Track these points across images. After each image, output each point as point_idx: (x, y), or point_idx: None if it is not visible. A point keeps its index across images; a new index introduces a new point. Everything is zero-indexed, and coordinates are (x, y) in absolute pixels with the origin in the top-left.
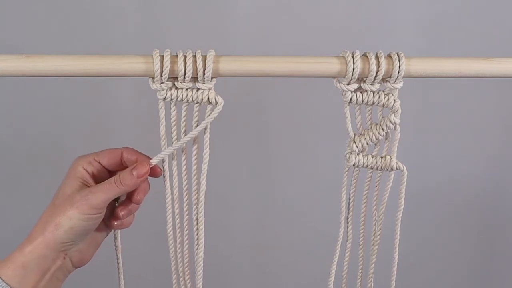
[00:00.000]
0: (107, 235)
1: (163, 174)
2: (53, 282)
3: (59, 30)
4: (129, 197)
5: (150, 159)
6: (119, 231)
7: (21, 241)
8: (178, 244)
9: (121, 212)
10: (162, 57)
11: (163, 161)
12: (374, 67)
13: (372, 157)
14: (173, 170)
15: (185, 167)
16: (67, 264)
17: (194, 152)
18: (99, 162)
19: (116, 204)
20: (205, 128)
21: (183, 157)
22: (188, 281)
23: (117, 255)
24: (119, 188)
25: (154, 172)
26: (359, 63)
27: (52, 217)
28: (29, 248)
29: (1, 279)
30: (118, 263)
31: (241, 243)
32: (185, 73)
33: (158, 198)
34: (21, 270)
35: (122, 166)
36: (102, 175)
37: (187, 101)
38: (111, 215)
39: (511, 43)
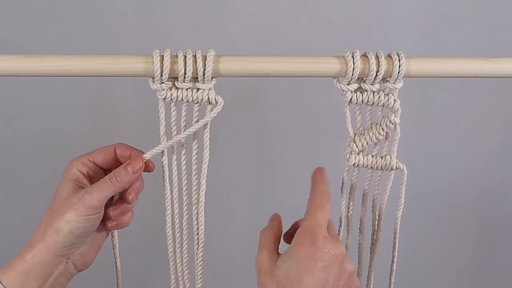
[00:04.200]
0: (107, 236)
1: (163, 175)
2: (55, 287)
3: (59, 30)
4: (121, 196)
5: (143, 153)
6: (116, 235)
7: (20, 243)
8: (177, 244)
9: (112, 212)
10: (162, 57)
11: (162, 164)
12: (374, 67)
13: (372, 157)
14: (172, 170)
15: (185, 167)
16: (70, 268)
17: (194, 152)
18: (94, 162)
19: (112, 202)
20: (205, 127)
21: (183, 157)
22: (187, 281)
23: (114, 254)
24: (114, 185)
25: (147, 167)
26: (359, 63)
27: (51, 222)
28: (30, 255)
29: (3, 285)
30: (116, 262)
31: (241, 243)
32: (185, 73)
33: (158, 197)
34: (23, 276)
35: (116, 163)
36: (98, 175)
37: (187, 101)
38: (107, 215)
39: (511, 43)
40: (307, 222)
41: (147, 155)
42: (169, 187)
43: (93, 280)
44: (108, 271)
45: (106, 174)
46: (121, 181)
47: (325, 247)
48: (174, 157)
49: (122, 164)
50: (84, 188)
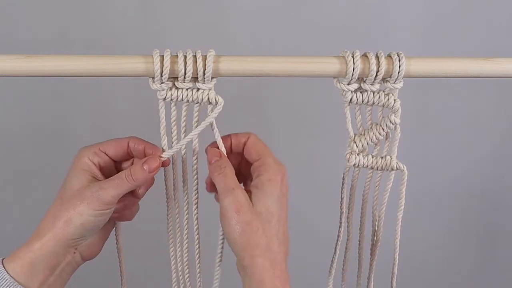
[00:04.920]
0: (114, 226)
1: (164, 174)
2: (62, 277)
3: (59, 30)
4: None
5: (157, 147)
6: (120, 226)
7: (23, 238)
8: (177, 243)
9: (116, 205)
10: (162, 57)
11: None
12: (374, 67)
13: (372, 157)
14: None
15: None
16: (77, 259)
17: (195, 152)
18: (105, 153)
19: None
20: (212, 127)
21: (183, 157)
22: (187, 280)
23: (119, 258)
24: (130, 183)
25: (162, 163)
26: (359, 63)
27: (61, 212)
28: (38, 245)
29: (9, 275)
30: (120, 267)
31: None
32: (185, 73)
33: (159, 197)
34: (30, 266)
35: (128, 156)
36: (108, 166)
37: (187, 101)
38: None
39: (511, 43)
40: (269, 159)
41: (165, 155)
42: (171, 187)
43: (93, 279)
44: (110, 271)
45: (116, 166)
46: (137, 179)
47: (286, 180)
48: (175, 159)
49: (134, 157)
50: (95, 178)
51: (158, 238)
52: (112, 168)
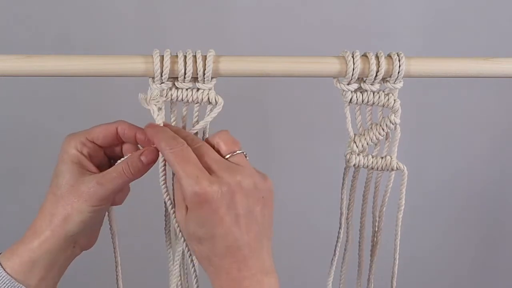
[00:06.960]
0: (107, 209)
1: (161, 175)
2: (60, 270)
3: (59, 29)
4: None
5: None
6: (113, 211)
7: (17, 234)
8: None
9: None
10: (162, 57)
11: (159, 164)
12: (374, 67)
13: (373, 157)
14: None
15: None
16: (76, 251)
17: None
18: (93, 142)
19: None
20: (204, 128)
21: None
22: (185, 281)
23: (112, 235)
24: (128, 177)
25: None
26: (359, 63)
27: (58, 209)
28: (37, 243)
29: (6, 272)
30: (113, 243)
31: None
32: (185, 73)
33: (157, 197)
34: (29, 264)
35: (117, 141)
36: (97, 153)
37: (187, 101)
38: None
39: (511, 43)
40: (183, 181)
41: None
42: (166, 187)
43: (92, 279)
44: (107, 271)
45: (105, 151)
46: (135, 173)
47: (216, 192)
48: None
49: (123, 142)
50: (87, 170)
51: (156, 239)
52: (100, 155)
